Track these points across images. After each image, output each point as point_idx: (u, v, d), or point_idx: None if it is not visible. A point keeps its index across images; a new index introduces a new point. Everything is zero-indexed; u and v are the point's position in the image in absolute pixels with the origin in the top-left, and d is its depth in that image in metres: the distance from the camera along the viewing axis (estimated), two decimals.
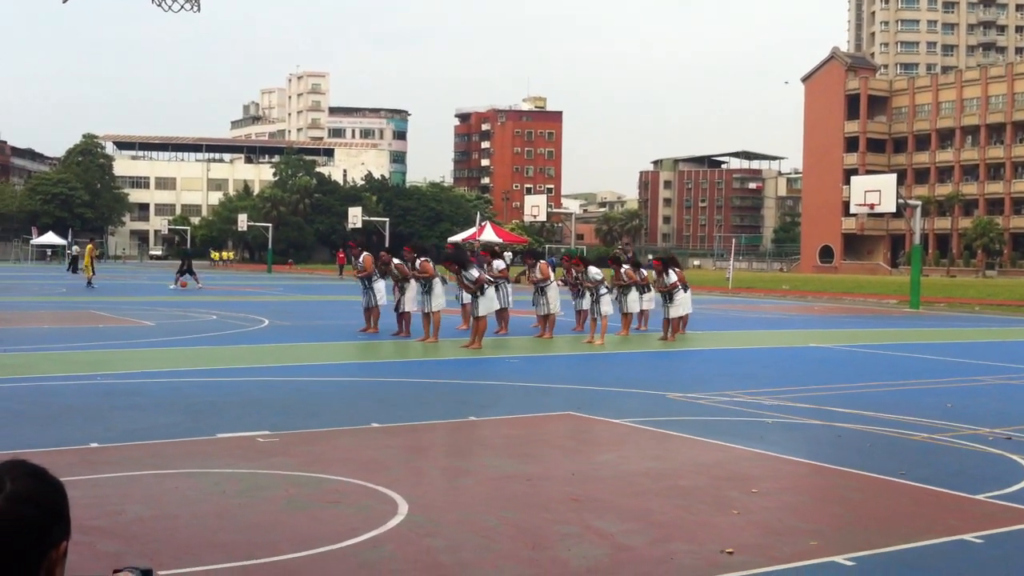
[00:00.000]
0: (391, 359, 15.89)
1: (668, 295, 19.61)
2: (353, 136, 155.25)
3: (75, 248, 63.96)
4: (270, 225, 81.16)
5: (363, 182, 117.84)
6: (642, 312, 21.12)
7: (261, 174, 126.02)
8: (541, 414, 10.25)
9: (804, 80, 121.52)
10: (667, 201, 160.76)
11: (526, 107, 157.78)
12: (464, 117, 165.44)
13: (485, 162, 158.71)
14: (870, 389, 12.70)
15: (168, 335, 18.29)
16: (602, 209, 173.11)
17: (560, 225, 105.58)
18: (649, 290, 20.69)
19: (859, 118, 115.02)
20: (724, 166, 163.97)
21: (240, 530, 5.76)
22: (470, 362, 15.22)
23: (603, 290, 18.89)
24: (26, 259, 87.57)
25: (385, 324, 19.60)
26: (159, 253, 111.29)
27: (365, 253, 20.16)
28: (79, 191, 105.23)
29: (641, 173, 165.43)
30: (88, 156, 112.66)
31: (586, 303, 19.30)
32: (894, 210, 34.36)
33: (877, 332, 24.31)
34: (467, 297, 18.53)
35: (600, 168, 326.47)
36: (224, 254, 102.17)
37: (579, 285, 19.58)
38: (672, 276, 19.74)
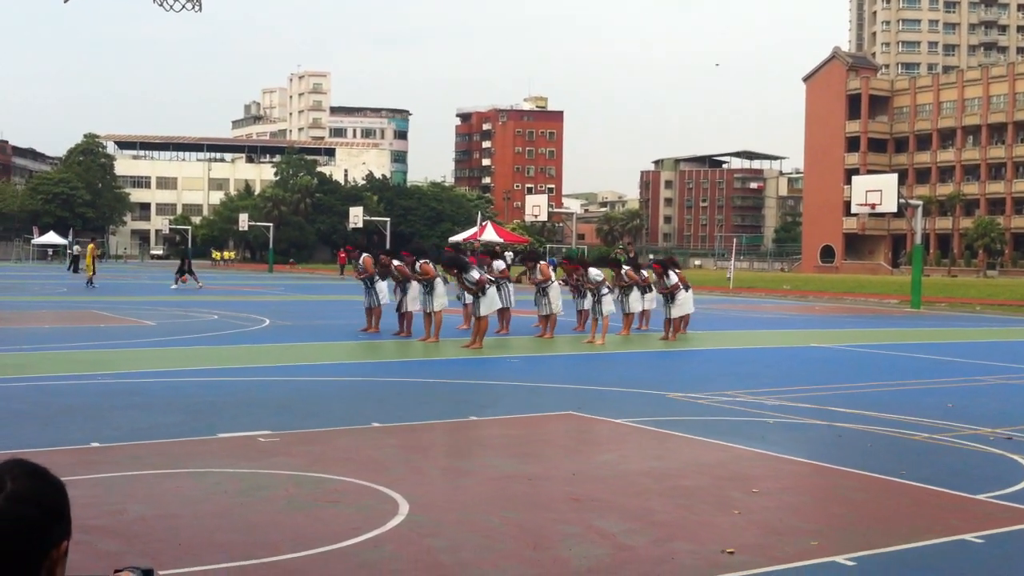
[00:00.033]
0: (392, 359, 15.89)
1: (670, 295, 19.61)
2: (354, 136, 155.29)
3: (76, 248, 63.97)
4: (271, 225, 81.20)
5: (364, 182, 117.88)
6: (643, 312, 21.10)
7: (262, 174, 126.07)
8: (542, 414, 10.25)
9: (805, 80, 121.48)
10: (668, 201, 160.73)
11: (527, 107, 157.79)
12: (465, 117, 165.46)
13: (486, 162, 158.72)
14: (871, 389, 12.70)
15: (169, 335, 18.30)
16: (603, 209, 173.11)
17: (561, 225, 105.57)
18: (651, 290, 20.68)
19: (860, 118, 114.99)
20: (725, 166, 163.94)
21: (241, 530, 5.76)
22: (471, 362, 15.22)
23: (605, 290, 18.88)
24: (27, 259, 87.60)
25: (386, 324, 19.59)
26: (160, 253, 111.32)
27: (365, 255, 20.14)
28: (80, 191, 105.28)
29: (642, 173, 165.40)
30: (89, 156, 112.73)
31: (588, 303, 19.29)
32: (895, 210, 34.35)
33: (878, 332, 24.31)
34: (469, 297, 18.52)
35: (601, 168, 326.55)
36: (225, 254, 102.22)
37: (581, 287, 19.57)
38: (673, 278, 19.72)
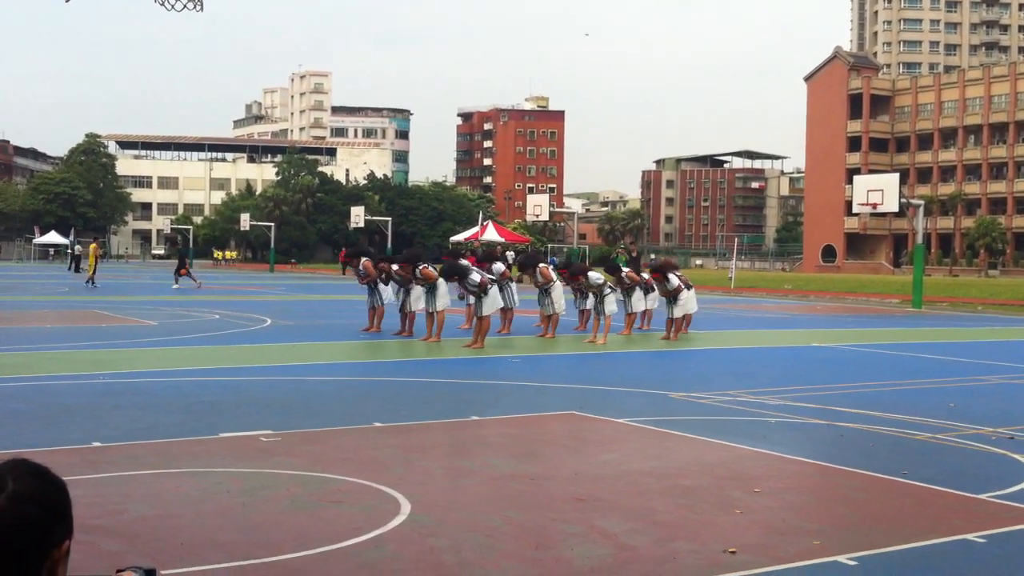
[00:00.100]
0: (394, 358, 15.88)
1: (672, 297, 19.58)
2: (355, 135, 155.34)
3: (78, 247, 63.99)
4: (272, 224, 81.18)
5: (365, 181, 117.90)
6: (645, 311, 21.07)
7: (264, 173, 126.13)
8: (543, 413, 10.25)
9: (807, 79, 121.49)
10: (669, 200, 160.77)
11: (528, 106, 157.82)
12: (466, 116, 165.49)
13: (487, 161, 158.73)
14: (872, 388, 12.69)
15: (170, 334, 18.30)
16: (604, 208, 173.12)
17: (562, 225, 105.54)
18: (654, 289, 20.63)
19: (862, 117, 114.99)
20: (726, 165, 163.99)
21: (242, 529, 5.76)
22: (472, 361, 15.21)
23: (607, 290, 18.85)
24: (28, 258, 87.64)
25: (387, 324, 19.59)
26: (162, 252, 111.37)
27: (364, 259, 19.99)
28: (82, 190, 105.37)
29: (643, 172, 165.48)
30: (91, 155, 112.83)
31: (590, 302, 19.27)
32: (897, 210, 34.33)
33: (879, 332, 24.30)
34: (472, 297, 18.49)
35: (602, 167, 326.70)
36: (227, 253, 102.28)
37: (584, 291, 19.51)
38: (674, 280, 19.67)
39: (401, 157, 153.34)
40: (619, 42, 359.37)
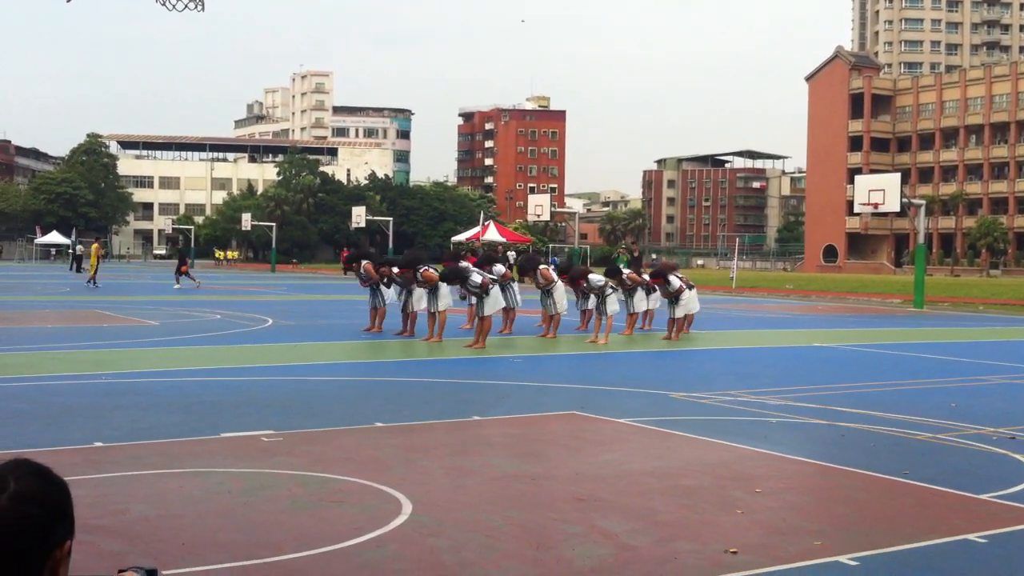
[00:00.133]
0: (395, 358, 15.89)
1: (674, 298, 19.57)
2: (357, 135, 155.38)
3: (79, 247, 64.01)
4: (274, 224, 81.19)
5: (367, 181, 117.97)
6: (647, 311, 21.06)
7: (265, 173, 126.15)
8: (544, 413, 10.25)
9: (808, 79, 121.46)
10: (671, 200, 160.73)
11: (529, 106, 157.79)
12: (468, 116, 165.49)
13: (489, 161, 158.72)
14: (874, 388, 12.69)
15: (172, 334, 18.31)
16: (606, 208, 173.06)
17: (564, 225, 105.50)
18: (655, 289, 20.61)
19: (863, 117, 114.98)
20: (728, 165, 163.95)
21: (243, 529, 5.76)
22: (474, 361, 15.22)
23: (609, 290, 18.84)
24: (30, 258, 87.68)
25: (388, 324, 19.59)
26: (163, 252, 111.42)
27: (365, 262, 19.96)
28: (83, 190, 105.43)
29: (645, 172, 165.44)
30: (92, 155, 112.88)
31: (591, 303, 19.26)
32: (898, 209, 34.31)
33: (881, 332, 24.29)
34: (474, 297, 18.47)
35: (603, 167, 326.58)
36: (229, 254, 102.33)
37: (586, 293, 19.49)
38: (675, 282, 19.66)
39: (402, 157, 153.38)
40: (619, 42, 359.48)
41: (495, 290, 17.72)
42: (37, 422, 9.09)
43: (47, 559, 1.70)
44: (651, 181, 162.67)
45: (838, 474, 7.65)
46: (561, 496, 6.69)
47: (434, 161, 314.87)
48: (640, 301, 20.15)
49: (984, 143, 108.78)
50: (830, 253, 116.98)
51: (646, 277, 20.77)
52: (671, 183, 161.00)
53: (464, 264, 19.08)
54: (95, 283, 38.08)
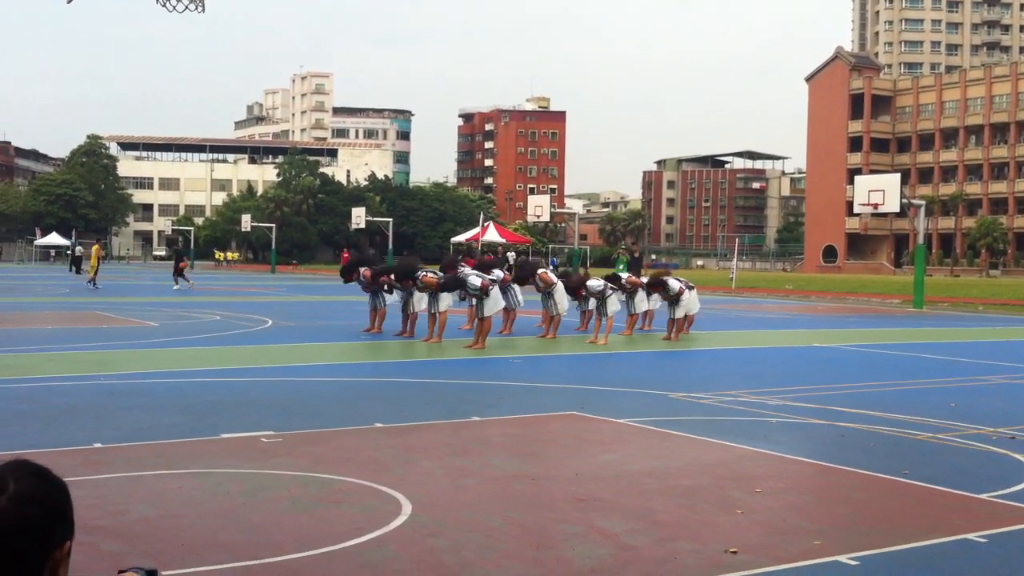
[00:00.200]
0: (395, 359, 15.88)
1: (675, 299, 19.55)
2: (357, 136, 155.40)
3: (79, 249, 64.01)
4: (274, 225, 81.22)
5: (366, 182, 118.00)
6: (647, 311, 21.05)
7: (265, 174, 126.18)
8: (544, 414, 10.25)
9: (808, 80, 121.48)
10: (671, 201, 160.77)
11: (529, 107, 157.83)
12: (467, 117, 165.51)
13: (488, 162, 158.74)
14: (874, 389, 12.69)
15: (171, 335, 18.31)
16: (605, 209, 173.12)
17: (563, 225, 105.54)
18: None
19: (863, 117, 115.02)
20: (727, 166, 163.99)
21: (243, 530, 5.76)
22: (473, 362, 15.22)
23: (609, 291, 18.82)
24: (30, 260, 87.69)
25: (388, 324, 19.58)
26: (163, 254, 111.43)
27: (363, 269, 19.92)
28: (83, 192, 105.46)
29: (644, 173, 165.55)
30: (92, 157, 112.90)
31: (591, 303, 19.25)
32: (898, 210, 34.31)
33: (881, 332, 24.29)
34: (473, 298, 18.44)
35: (603, 168, 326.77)
36: (228, 255, 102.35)
37: (585, 296, 19.47)
38: (674, 285, 19.63)
39: (402, 158, 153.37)
40: (619, 42, 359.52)
41: (495, 291, 17.71)
42: (37, 423, 9.09)
43: (47, 560, 1.71)
44: (651, 182, 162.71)
45: (838, 474, 7.65)
46: (561, 496, 6.69)
47: (434, 162, 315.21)
48: (641, 302, 20.14)
49: (984, 143, 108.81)
50: (830, 253, 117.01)
51: (645, 280, 20.74)
52: (671, 184, 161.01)
53: (462, 268, 19.05)
54: (95, 284, 38.06)
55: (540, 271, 20.15)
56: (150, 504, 6.28)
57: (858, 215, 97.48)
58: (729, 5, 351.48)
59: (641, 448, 8.55)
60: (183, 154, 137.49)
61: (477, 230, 67.10)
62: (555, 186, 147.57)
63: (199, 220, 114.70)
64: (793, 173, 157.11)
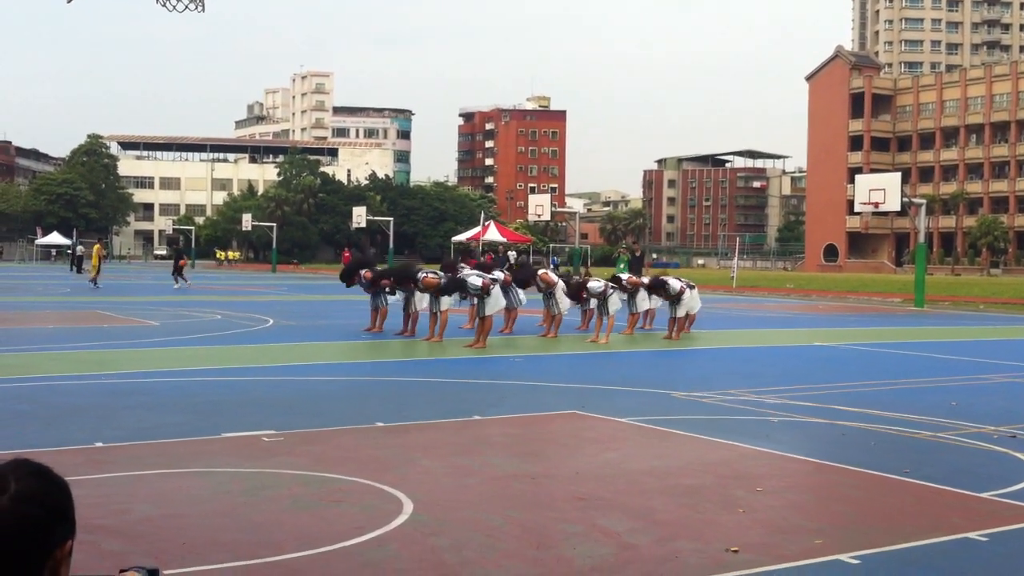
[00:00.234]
0: (396, 358, 15.89)
1: (676, 299, 19.55)
2: (357, 136, 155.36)
3: (80, 248, 64.02)
4: (274, 225, 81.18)
5: (367, 181, 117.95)
6: (647, 310, 21.03)
7: (265, 174, 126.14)
8: (545, 413, 10.25)
9: (808, 79, 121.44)
10: (671, 200, 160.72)
11: (530, 106, 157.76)
12: (468, 116, 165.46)
13: (489, 161, 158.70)
14: (874, 387, 12.69)
15: (173, 335, 18.31)
16: (606, 208, 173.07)
17: (564, 225, 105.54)
18: None
19: (863, 117, 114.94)
20: (728, 165, 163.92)
21: (245, 529, 5.77)
22: (474, 361, 15.22)
23: (610, 291, 18.82)
24: (30, 259, 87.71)
25: (389, 324, 19.59)
26: (164, 253, 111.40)
27: (364, 271, 19.92)
28: (84, 191, 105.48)
29: (645, 172, 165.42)
30: (93, 156, 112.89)
31: (593, 302, 19.24)
32: (898, 209, 34.30)
33: (881, 330, 24.29)
34: (475, 298, 18.43)
35: (604, 167, 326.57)
36: (229, 254, 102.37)
37: (588, 297, 19.46)
38: (674, 284, 19.63)
39: (403, 157, 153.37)
40: (619, 42, 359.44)
41: (496, 290, 17.71)
42: (38, 422, 9.10)
43: (48, 559, 1.70)
44: (651, 181, 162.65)
45: (839, 473, 7.65)
46: (562, 495, 6.69)
47: (434, 161, 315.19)
48: (642, 301, 20.13)
49: (984, 142, 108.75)
50: (831, 252, 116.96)
51: (646, 280, 20.73)
52: (671, 183, 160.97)
53: (461, 268, 19.04)
54: (96, 284, 38.06)
55: (540, 272, 20.15)
56: (152, 503, 6.29)
57: (859, 214, 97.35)
58: (729, 5, 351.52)
59: (642, 447, 8.55)
60: (184, 153, 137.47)
61: (478, 229, 67.12)
62: (556, 185, 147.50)
63: (200, 219, 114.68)
64: (794, 172, 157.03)
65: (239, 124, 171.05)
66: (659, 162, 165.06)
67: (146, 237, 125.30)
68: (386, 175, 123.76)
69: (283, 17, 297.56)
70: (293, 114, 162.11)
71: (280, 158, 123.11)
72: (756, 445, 8.56)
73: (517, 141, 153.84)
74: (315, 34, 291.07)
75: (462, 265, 19.52)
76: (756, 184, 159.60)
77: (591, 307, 19.54)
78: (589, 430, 9.37)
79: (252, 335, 18.84)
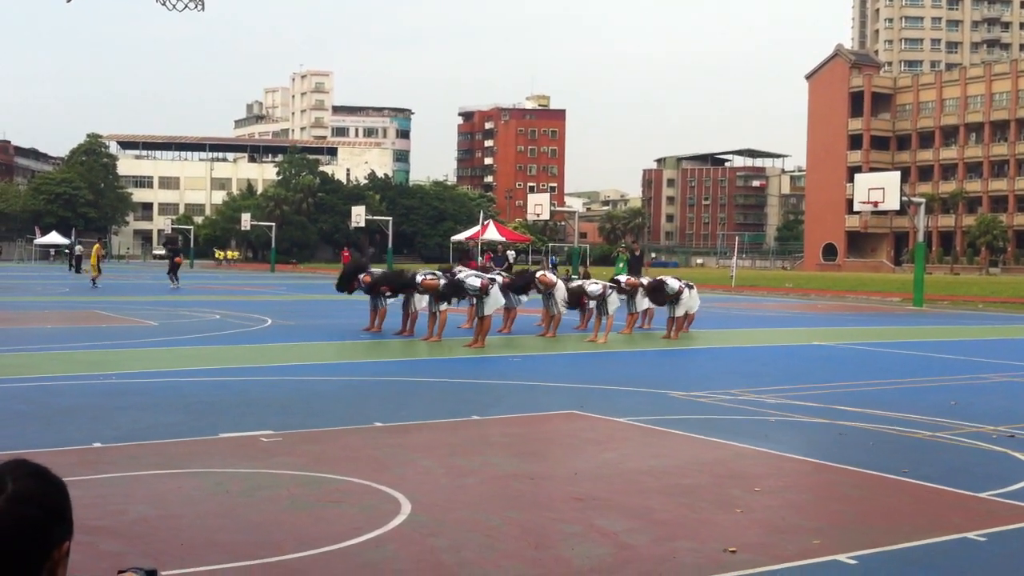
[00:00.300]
0: (394, 358, 15.88)
1: (675, 299, 19.54)
2: (356, 135, 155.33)
3: (79, 248, 63.98)
4: (273, 224, 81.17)
5: (366, 181, 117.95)
6: (646, 310, 21.03)
7: (265, 173, 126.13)
8: (544, 413, 10.25)
9: (808, 77, 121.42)
10: (670, 199, 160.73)
11: (529, 105, 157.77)
12: (467, 115, 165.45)
13: (488, 160, 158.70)
14: (873, 387, 12.69)
15: (171, 335, 18.31)
16: (605, 207, 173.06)
17: (563, 224, 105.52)
18: None
19: (863, 115, 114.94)
20: (728, 164, 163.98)
21: (243, 530, 5.77)
22: (473, 361, 15.22)
23: (609, 291, 18.81)
24: (29, 259, 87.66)
25: (388, 323, 19.59)
26: (162, 253, 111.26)
27: (363, 274, 19.93)
28: (83, 191, 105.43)
29: (644, 171, 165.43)
30: (92, 156, 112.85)
31: (591, 303, 19.23)
32: (898, 208, 34.28)
33: (880, 330, 24.30)
34: (474, 297, 18.42)
35: (603, 166, 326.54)
36: (228, 253, 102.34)
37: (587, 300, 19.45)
38: (673, 284, 19.61)
39: (402, 156, 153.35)
40: (619, 42, 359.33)
41: (494, 290, 17.70)
42: (36, 423, 9.09)
43: (45, 560, 1.71)
44: (651, 180, 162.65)
45: (837, 472, 7.65)
46: (560, 495, 6.69)
47: (434, 161, 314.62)
48: (641, 301, 20.12)
49: (984, 141, 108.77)
50: (830, 251, 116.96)
51: (644, 280, 20.72)
52: (671, 182, 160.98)
53: (459, 270, 19.03)
54: (95, 284, 38.05)
55: (539, 273, 20.15)
56: (149, 504, 6.29)
57: (858, 213, 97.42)
58: (729, 5, 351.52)
59: (640, 447, 8.56)
60: (183, 153, 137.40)
61: (477, 228, 67.06)
62: (555, 184, 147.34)
63: (199, 219, 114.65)
64: (793, 171, 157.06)
65: (238, 123, 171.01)
66: (658, 161, 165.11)
67: (145, 237, 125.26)
68: (385, 174, 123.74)
69: (283, 17, 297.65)
70: (292, 113, 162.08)
71: (279, 157, 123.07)
72: (754, 445, 8.56)
73: (516, 140, 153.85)
74: (315, 34, 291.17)
75: (459, 268, 19.50)
76: (755, 183, 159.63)
77: (590, 307, 19.54)
78: (588, 430, 9.36)
79: (250, 335, 18.84)
